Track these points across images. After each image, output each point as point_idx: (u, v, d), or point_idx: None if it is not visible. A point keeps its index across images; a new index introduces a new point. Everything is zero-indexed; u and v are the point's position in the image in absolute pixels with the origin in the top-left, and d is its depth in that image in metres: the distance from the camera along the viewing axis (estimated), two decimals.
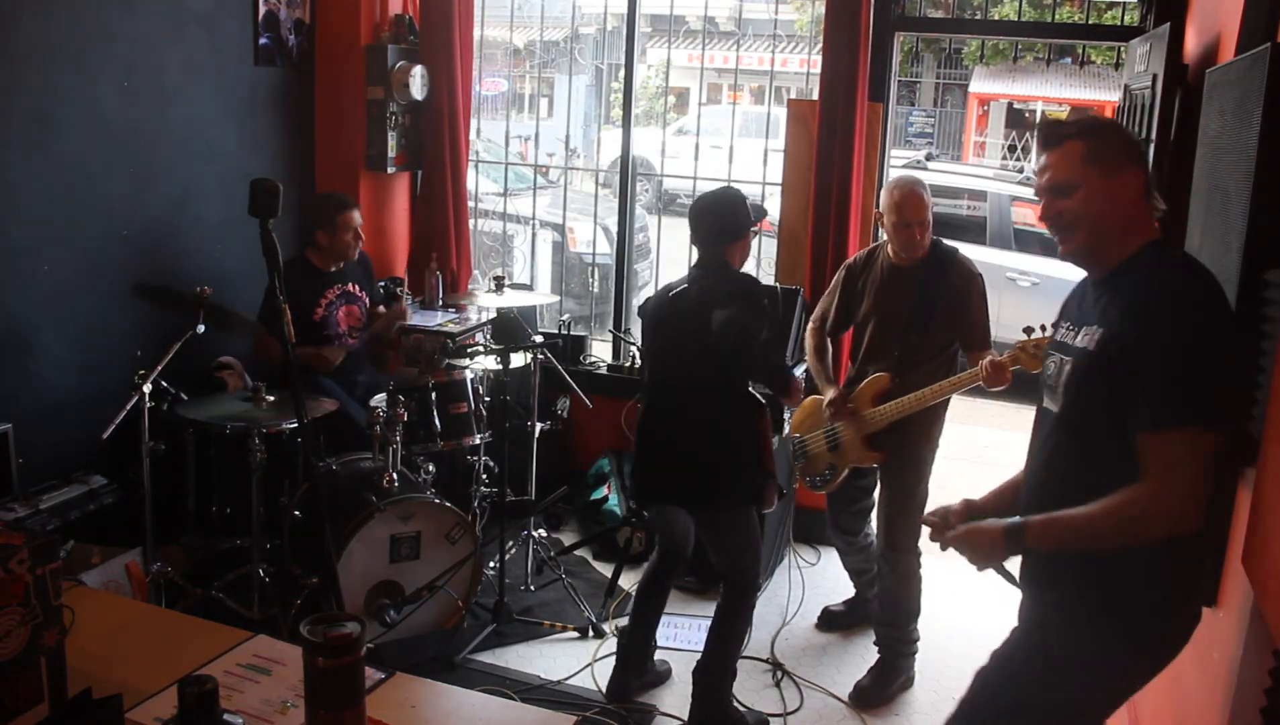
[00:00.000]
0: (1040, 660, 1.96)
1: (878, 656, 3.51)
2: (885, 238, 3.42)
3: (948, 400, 3.34)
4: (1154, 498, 1.70)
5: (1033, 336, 2.96)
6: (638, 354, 4.69)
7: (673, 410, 3.12)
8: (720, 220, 3.08)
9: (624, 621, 3.47)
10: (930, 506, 3.46)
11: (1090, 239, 1.86)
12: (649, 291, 5.70)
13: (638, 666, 3.38)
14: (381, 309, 4.38)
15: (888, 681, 3.46)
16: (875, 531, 3.70)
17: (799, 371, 4.17)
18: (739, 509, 3.09)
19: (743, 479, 3.05)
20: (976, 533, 1.93)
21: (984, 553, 1.92)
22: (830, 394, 3.46)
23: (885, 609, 3.48)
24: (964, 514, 2.07)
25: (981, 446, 6.13)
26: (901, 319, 3.36)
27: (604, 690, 3.37)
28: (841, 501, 3.69)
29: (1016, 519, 1.87)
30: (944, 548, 2.02)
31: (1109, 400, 1.78)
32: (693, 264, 3.18)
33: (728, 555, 3.15)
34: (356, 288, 4.20)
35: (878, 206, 3.44)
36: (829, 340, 3.62)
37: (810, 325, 3.64)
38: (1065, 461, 1.91)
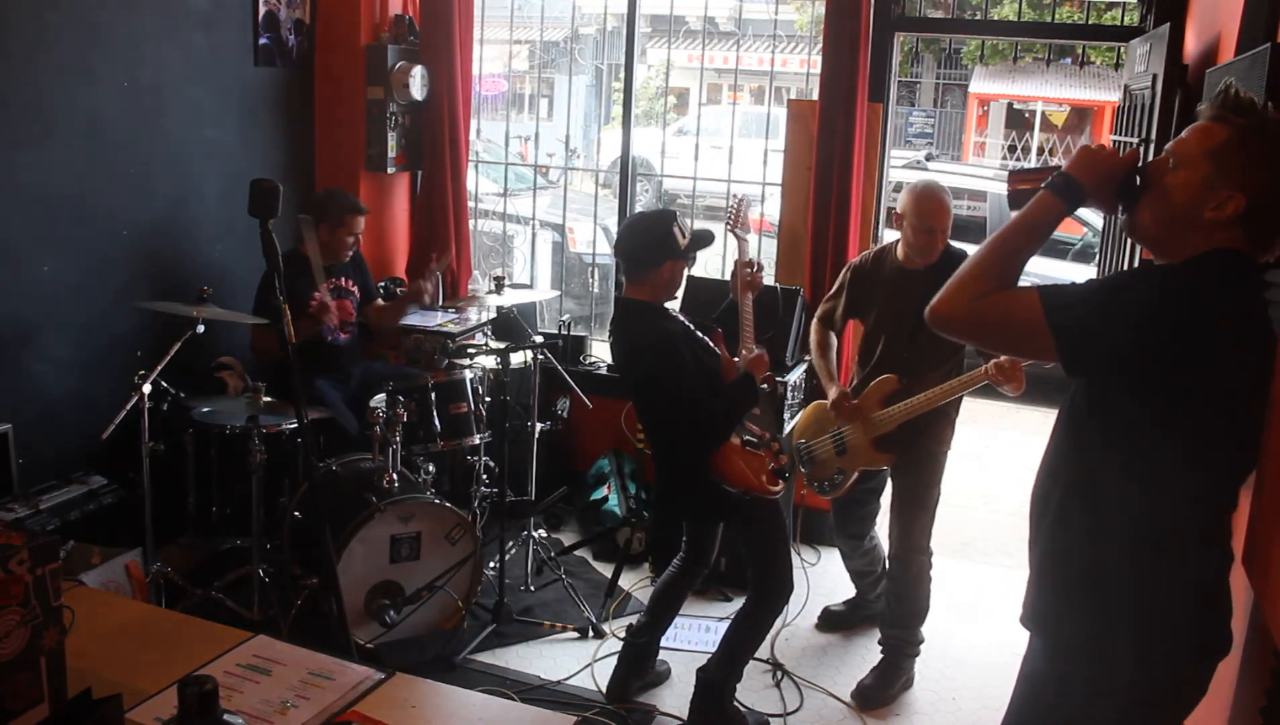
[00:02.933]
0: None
1: (880, 657, 3.51)
2: (894, 239, 3.41)
3: (959, 400, 3.32)
4: (981, 291, 1.67)
5: None
6: None
7: (655, 451, 3.18)
8: (640, 242, 3.00)
9: (624, 621, 3.47)
10: (942, 508, 3.48)
11: (1154, 226, 1.69)
12: None
13: (640, 668, 3.39)
14: (380, 302, 4.37)
15: (890, 682, 3.46)
16: (881, 533, 3.70)
17: (799, 372, 4.18)
18: (753, 522, 3.10)
19: (720, 503, 3.04)
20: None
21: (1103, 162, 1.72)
22: (833, 393, 3.44)
23: (894, 610, 3.47)
24: None
25: (981, 447, 6.13)
26: (910, 321, 3.35)
27: (604, 690, 3.38)
28: (849, 505, 3.67)
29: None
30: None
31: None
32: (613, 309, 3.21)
33: (758, 558, 3.15)
34: (349, 282, 4.21)
35: (898, 208, 3.42)
36: (833, 336, 3.60)
37: (815, 321, 3.62)
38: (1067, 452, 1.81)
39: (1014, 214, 1.74)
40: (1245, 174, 1.57)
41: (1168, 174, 1.65)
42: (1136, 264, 3.00)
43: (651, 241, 2.99)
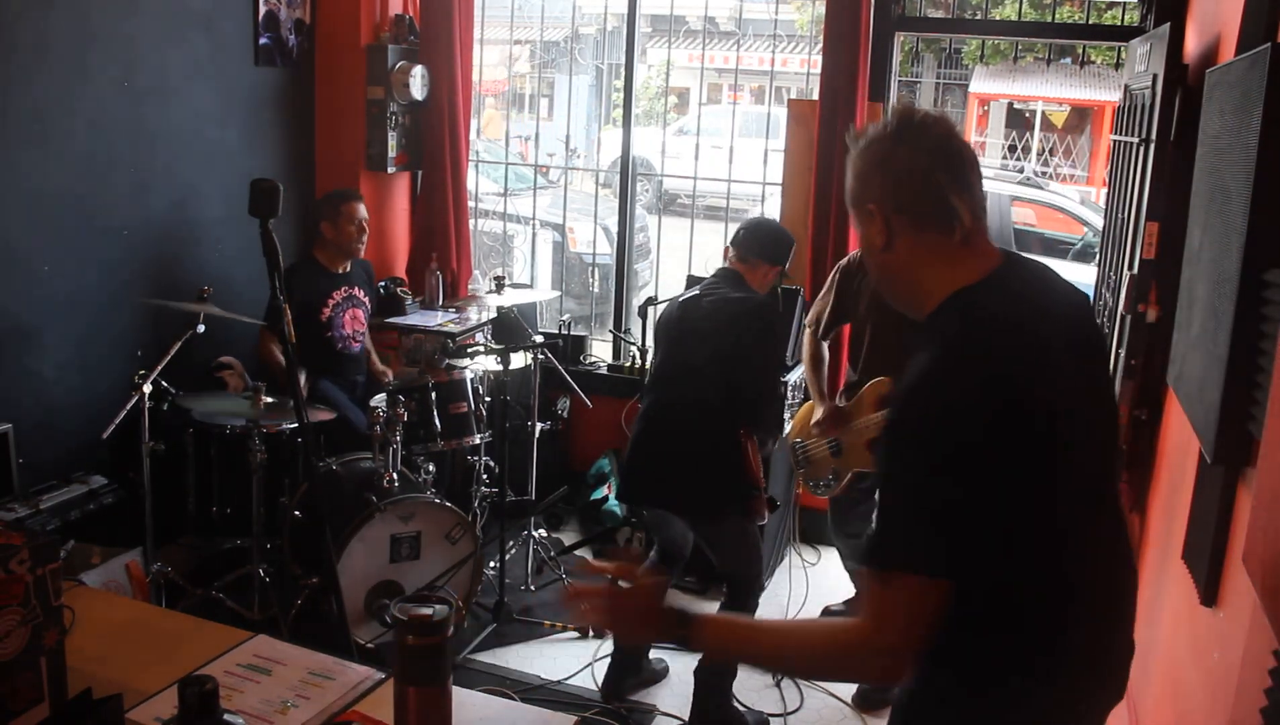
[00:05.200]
0: None
1: None
2: None
3: None
4: (866, 639, 1.37)
5: None
6: (637, 353, 4.70)
7: (665, 415, 3.15)
8: (768, 240, 3.21)
9: None
10: None
11: (882, 285, 1.62)
12: (649, 291, 5.71)
13: (633, 665, 3.39)
14: (375, 359, 4.42)
15: None
16: None
17: (798, 372, 4.17)
18: (728, 517, 3.10)
19: (727, 489, 3.06)
20: (634, 598, 1.52)
21: (631, 628, 1.56)
22: (819, 412, 3.46)
23: None
24: None
25: None
26: (900, 321, 3.33)
27: (600, 691, 3.38)
28: (845, 504, 3.68)
29: (690, 608, 1.50)
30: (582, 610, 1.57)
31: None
32: (711, 275, 3.22)
33: (725, 561, 3.17)
34: (361, 292, 4.22)
35: None
36: (825, 349, 3.61)
37: (807, 329, 3.64)
38: None
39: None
40: (865, 189, 1.51)
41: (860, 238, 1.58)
42: (1136, 261, 3.00)
43: (780, 241, 3.24)
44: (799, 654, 1.46)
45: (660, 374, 3.20)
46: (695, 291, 3.19)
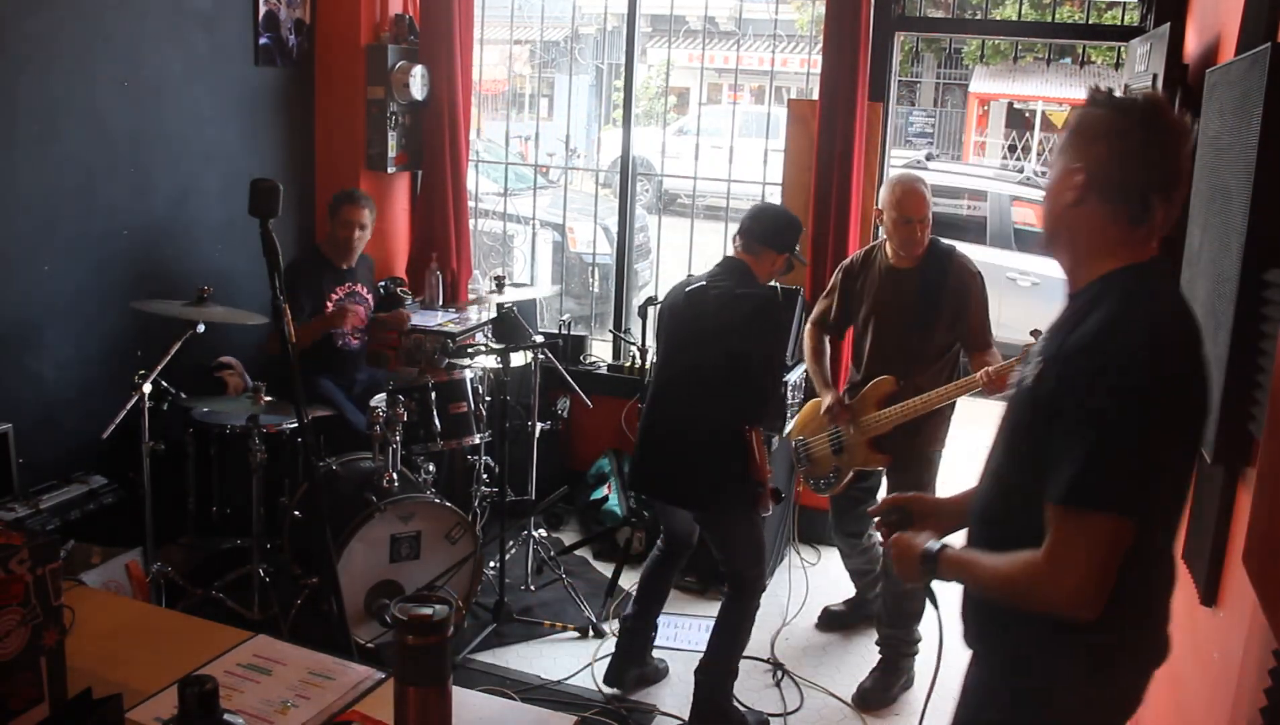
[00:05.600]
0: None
1: (879, 658, 3.51)
2: (883, 237, 3.42)
3: (954, 401, 3.33)
4: (1044, 574, 1.49)
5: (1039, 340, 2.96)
6: (637, 353, 4.70)
7: (672, 408, 3.14)
8: (773, 226, 3.16)
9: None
10: None
11: (1048, 231, 1.68)
12: (649, 291, 5.71)
13: (637, 656, 3.40)
14: (382, 316, 4.40)
15: (890, 683, 3.46)
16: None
17: (799, 372, 4.18)
18: (734, 512, 3.10)
19: (734, 485, 3.06)
20: (904, 545, 1.76)
21: (905, 569, 1.76)
22: (828, 400, 3.46)
23: (889, 611, 3.47)
24: (921, 508, 1.90)
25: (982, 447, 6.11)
26: (902, 320, 3.35)
27: (602, 679, 3.38)
28: (845, 503, 3.68)
29: (934, 545, 1.70)
30: (886, 547, 1.87)
31: (1036, 445, 1.58)
32: (716, 263, 3.20)
33: (728, 557, 3.17)
34: (363, 289, 4.23)
35: (877, 204, 3.45)
36: (827, 342, 3.62)
37: (808, 327, 3.64)
38: (1005, 481, 1.70)
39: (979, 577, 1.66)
40: (1084, 148, 1.58)
41: (1052, 173, 1.66)
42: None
43: (786, 227, 3.17)
44: (1003, 589, 1.58)
45: (666, 371, 3.20)
46: (702, 282, 3.16)
